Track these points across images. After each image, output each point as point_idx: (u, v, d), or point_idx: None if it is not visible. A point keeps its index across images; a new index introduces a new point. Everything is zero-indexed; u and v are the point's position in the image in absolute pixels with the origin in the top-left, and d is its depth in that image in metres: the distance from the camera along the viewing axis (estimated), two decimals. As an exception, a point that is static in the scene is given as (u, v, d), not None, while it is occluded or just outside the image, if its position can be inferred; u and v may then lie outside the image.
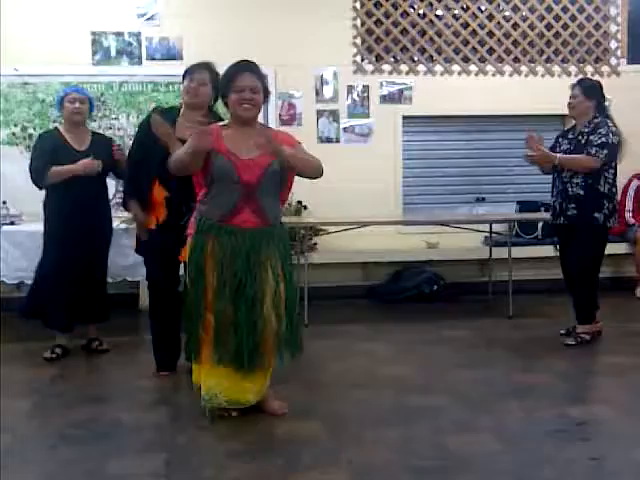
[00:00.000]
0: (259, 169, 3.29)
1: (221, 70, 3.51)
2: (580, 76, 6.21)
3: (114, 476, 2.89)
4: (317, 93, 6.49)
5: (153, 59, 6.26)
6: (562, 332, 4.89)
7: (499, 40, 6.66)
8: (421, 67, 6.59)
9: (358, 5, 6.48)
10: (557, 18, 6.71)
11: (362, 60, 6.54)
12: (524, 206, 6.56)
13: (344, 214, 5.96)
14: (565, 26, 6.71)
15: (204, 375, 3.42)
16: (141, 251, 4.22)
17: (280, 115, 6.40)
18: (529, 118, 6.71)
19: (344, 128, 6.53)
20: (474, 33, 6.63)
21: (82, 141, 4.53)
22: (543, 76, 6.72)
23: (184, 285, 3.57)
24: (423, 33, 6.58)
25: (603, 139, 4.57)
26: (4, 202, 5.72)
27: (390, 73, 6.56)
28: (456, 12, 6.60)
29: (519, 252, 6.02)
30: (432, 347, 4.78)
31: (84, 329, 4.69)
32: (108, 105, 6.19)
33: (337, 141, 6.51)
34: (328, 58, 6.40)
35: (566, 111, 4.87)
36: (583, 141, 4.66)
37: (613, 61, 6.79)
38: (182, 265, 3.88)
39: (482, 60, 6.67)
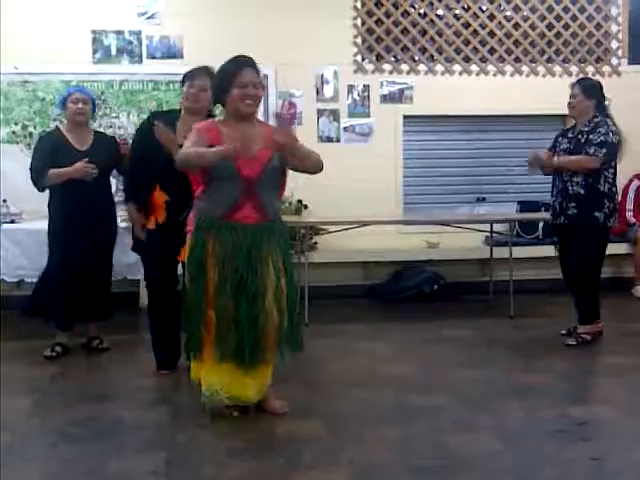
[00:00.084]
0: (259, 165, 3.29)
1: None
2: (581, 76, 6.21)
3: (114, 474, 2.89)
4: (317, 92, 6.48)
5: (153, 58, 6.26)
6: (563, 332, 4.89)
7: (500, 40, 6.65)
8: (422, 67, 6.58)
9: (359, 4, 6.47)
10: (558, 18, 6.70)
11: (363, 59, 6.53)
12: (525, 206, 6.55)
13: (344, 213, 5.96)
14: (566, 26, 6.70)
15: (205, 372, 3.41)
16: (138, 249, 4.24)
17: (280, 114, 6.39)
18: (530, 118, 6.72)
19: (344, 127, 6.52)
20: (475, 33, 6.62)
21: (84, 141, 4.52)
22: (544, 76, 6.71)
23: (183, 285, 3.56)
24: (424, 33, 6.57)
25: (602, 138, 4.57)
26: (4, 200, 5.71)
27: (391, 73, 6.55)
28: (457, 12, 6.60)
29: (520, 252, 6.01)
30: (432, 346, 4.78)
31: (84, 327, 4.69)
32: (108, 104, 6.18)
33: (337, 140, 6.50)
34: (329, 57, 6.39)
35: (567, 111, 4.87)
36: (583, 140, 4.66)
37: (614, 61, 6.78)
38: (180, 265, 3.88)
39: (483, 60, 6.66)
